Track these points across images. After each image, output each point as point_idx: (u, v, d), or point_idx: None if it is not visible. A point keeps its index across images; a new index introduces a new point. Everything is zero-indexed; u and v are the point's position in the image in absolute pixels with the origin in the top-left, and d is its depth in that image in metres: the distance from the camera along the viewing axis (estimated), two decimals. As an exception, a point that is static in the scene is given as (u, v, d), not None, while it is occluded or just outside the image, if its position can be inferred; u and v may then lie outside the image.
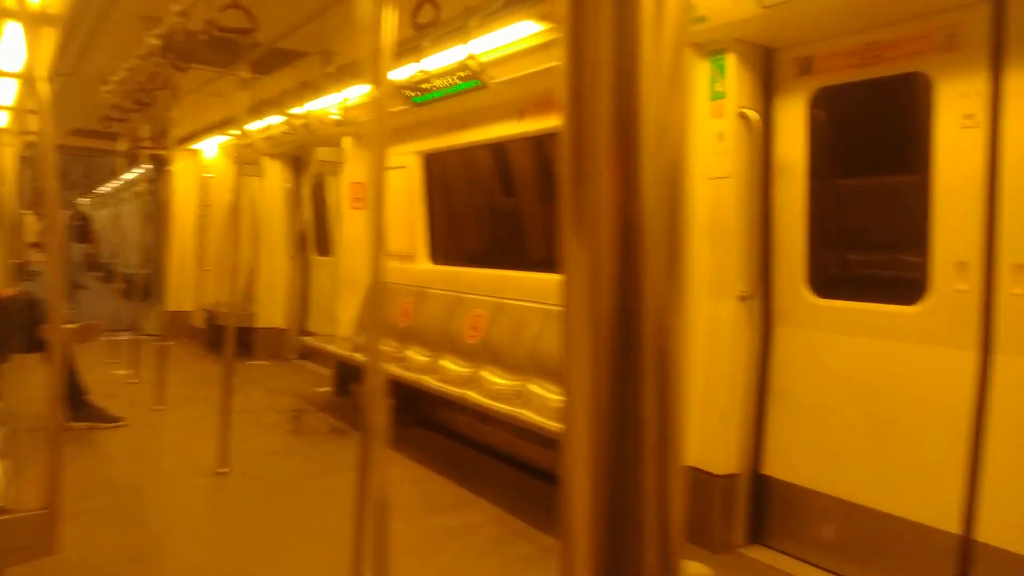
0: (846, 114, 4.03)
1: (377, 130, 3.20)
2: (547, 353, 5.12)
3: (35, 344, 5.25)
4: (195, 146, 10.82)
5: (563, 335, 0.65)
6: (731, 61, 3.94)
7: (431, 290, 6.67)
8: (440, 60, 5.25)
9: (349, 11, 2.89)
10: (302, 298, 9.93)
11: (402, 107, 6.03)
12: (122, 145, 8.57)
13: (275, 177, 9.85)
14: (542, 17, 4.39)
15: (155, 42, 4.94)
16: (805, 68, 3.93)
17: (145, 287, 9.49)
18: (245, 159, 8.38)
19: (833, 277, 4.02)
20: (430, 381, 5.47)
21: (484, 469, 5.36)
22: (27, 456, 3.36)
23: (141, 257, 10.38)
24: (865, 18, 3.56)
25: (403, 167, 7.02)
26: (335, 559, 3.16)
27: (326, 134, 7.39)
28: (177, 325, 10.29)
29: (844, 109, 3.99)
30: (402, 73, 5.44)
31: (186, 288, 10.60)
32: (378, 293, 3.21)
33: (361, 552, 2.97)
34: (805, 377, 3.94)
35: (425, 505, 4.67)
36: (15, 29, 4.75)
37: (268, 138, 8.41)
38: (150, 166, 10.94)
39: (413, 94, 5.78)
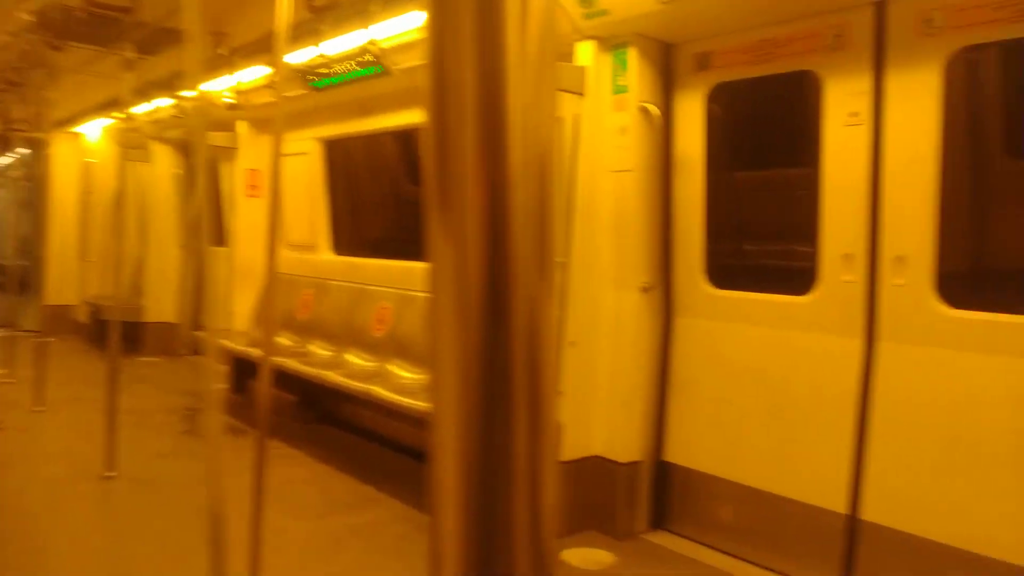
0: (742, 109, 4.15)
1: (274, 115, 3.07)
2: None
3: None
4: (77, 129, 10.19)
5: (429, 326, 0.66)
6: (633, 55, 3.98)
7: (334, 282, 6.50)
8: (341, 44, 5.09)
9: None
10: (195, 290, 9.51)
11: (301, 91, 5.83)
12: (-7, 127, 7.98)
13: (164, 163, 9.40)
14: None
15: (28, 18, 4.60)
16: (703, 64, 4.02)
17: (22, 280, 8.93)
18: (131, 143, 7.95)
19: (730, 268, 4.14)
20: (333, 376, 5.33)
21: (391, 465, 5.27)
22: None
23: (17, 247, 9.71)
24: (759, 16, 3.67)
25: (304, 153, 6.80)
26: (228, 566, 3.02)
27: (219, 118, 7.07)
28: (58, 320, 9.67)
29: (740, 104, 4.11)
30: (300, 56, 5.25)
31: (68, 280, 10.01)
32: (274, 285, 3.08)
33: (258, 557, 2.85)
34: (704, 366, 4.05)
35: (328, 504, 4.55)
36: None
37: (156, 121, 7.99)
38: (27, 150, 10.25)
39: (312, 78, 5.59)
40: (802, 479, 3.59)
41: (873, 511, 3.32)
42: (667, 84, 4.14)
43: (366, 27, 4.74)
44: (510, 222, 0.62)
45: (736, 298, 3.94)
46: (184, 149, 9.40)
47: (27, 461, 5.25)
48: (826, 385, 3.52)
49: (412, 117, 5.76)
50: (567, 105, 4.17)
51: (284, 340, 6.44)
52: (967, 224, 3.52)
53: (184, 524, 4.19)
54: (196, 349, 8.74)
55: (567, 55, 4.13)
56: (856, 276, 3.40)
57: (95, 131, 10.11)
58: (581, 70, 4.08)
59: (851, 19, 3.41)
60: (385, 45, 4.89)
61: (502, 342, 0.63)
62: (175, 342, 9.22)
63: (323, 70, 5.40)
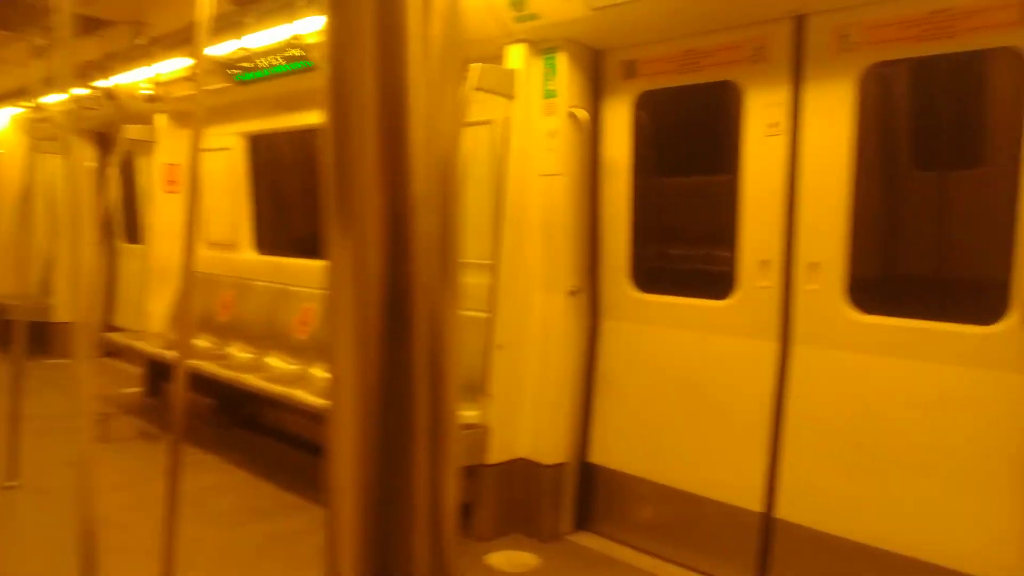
0: (668, 117, 4.23)
1: (194, 108, 2.97)
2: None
3: None
4: (-20, 118, 9.61)
5: (328, 324, 0.66)
6: (562, 60, 4.01)
7: (256, 282, 6.32)
8: (265, 38, 4.96)
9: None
10: (108, 289, 9.11)
11: (223, 85, 5.65)
12: None
13: (77, 155, 8.95)
14: None
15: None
16: (630, 71, 4.08)
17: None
18: (41, 134, 7.55)
19: (655, 272, 4.22)
20: (252, 380, 5.17)
21: (314, 471, 5.14)
22: None
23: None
24: (684, 26, 3.75)
25: (226, 149, 6.59)
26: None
27: (136, 110, 6.79)
28: (-43, 319, 9.11)
29: (667, 112, 4.19)
30: (223, 49, 5.09)
31: (-30, 278, 9.43)
32: (191, 284, 2.97)
33: (171, 568, 2.74)
34: (628, 368, 4.11)
35: (246, 512, 4.41)
36: None
37: (68, 112, 7.60)
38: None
39: (236, 72, 5.43)
40: (720, 479, 3.68)
41: (787, 510, 3.42)
42: (596, 90, 4.19)
43: (291, 21, 4.63)
44: (411, 222, 0.61)
45: (659, 302, 4.01)
46: (99, 141, 9.00)
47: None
48: (743, 387, 3.61)
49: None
50: (497, 108, 4.17)
51: (203, 342, 6.23)
52: (878, 232, 3.68)
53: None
54: (108, 351, 8.36)
55: (497, 57, 4.12)
56: (772, 282, 3.51)
57: (2, 121, 9.56)
58: (511, 73, 4.08)
59: (772, 32, 3.52)
60: (310, 41, 4.80)
61: (402, 341, 0.62)
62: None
63: (246, 64, 5.25)
